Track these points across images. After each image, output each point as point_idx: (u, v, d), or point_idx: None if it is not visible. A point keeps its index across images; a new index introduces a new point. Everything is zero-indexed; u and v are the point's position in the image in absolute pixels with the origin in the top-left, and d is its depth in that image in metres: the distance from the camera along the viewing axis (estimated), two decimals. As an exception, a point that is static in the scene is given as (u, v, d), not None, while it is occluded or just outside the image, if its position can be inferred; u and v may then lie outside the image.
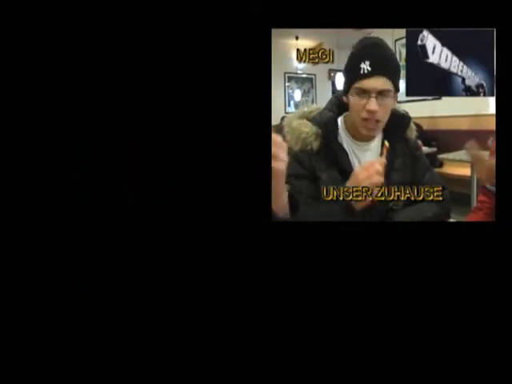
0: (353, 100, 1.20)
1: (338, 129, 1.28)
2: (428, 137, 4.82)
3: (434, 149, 4.92)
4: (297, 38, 8.42)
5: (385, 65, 1.17)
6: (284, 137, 1.28)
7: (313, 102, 9.21)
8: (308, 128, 1.25)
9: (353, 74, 1.18)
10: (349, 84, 1.21)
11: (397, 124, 1.29)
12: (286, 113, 8.56)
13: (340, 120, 1.31)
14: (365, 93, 1.17)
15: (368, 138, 1.30)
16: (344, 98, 1.25)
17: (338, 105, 1.31)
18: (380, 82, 1.16)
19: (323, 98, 9.23)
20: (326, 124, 1.26)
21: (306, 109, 1.36)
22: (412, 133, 1.37)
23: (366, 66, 1.15)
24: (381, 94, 1.16)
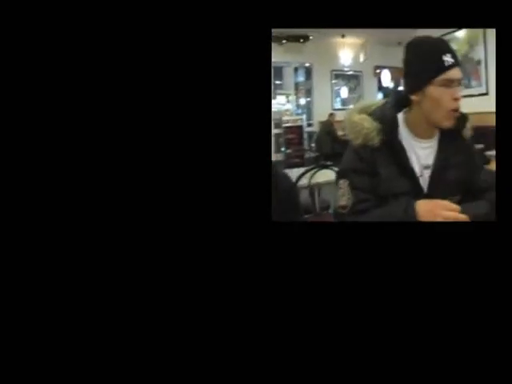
0: (438, 91, 1.22)
1: (398, 126, 1.30)
2: (475, 133, 4.68)
3: (481, 145, 4.78)
4: (343, 36, 8.40)
5: (458, 57, 1.26)
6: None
7: (359, 98, 9.13)
8: (369, 123, 1.27)
9: (436, 67, 1.22)
10: (429, 78, 1.23)
11: (455, 123, 1.29)
12: (333, 109, 8.54)
13: (400, 117, 1.32)
14: (451, 83, 1.22)
15: (429, 136, 1.32)
16: (413, 97, 1.27)
17: (399, 101, 1.33)
18: (460, 72, 1.24)
19: (369, 94, 9.16)
20: (388, 120, 1.28)
21: (365, 103, 1.38)
22: (468, 132, 1.38)
23: (448, 59, 1.21)
24: (459, 83, 1.24)
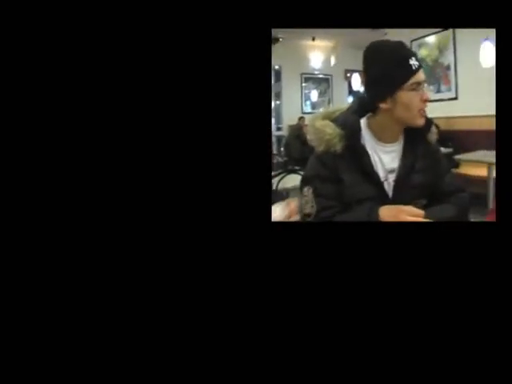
0: (409, 96, 1.23)
1: (361, 131, 1.29)
2: (444, 137, 4.78)
3: (450, 149, 4.89)
4: (313, 39, 8.45)
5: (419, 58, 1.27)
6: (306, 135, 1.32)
7: (329, 102, 9.21)
8: (331, 130, 1.26)
9: (405, 72, 1.23)
10: (399, 84, 1.23)
11: (423, 124, 1.30)
12: (303, 113, 8.59)
13: (363, 122, 1.32)
14: (419, 86, 1.23)
15: (393, 140, 1.32)
16: (382, 105, 1.26)
17: (362, 106, 1.33)
18: (423, 74, 1.25)
19: (339, 98, 9.24)
20: (350, 126, 1.27)
21: (329, 109, 1.38)
22: (433, 136, 1.38)
23: (414, 62, 1.22)
24: (424, 85, 1.25)
